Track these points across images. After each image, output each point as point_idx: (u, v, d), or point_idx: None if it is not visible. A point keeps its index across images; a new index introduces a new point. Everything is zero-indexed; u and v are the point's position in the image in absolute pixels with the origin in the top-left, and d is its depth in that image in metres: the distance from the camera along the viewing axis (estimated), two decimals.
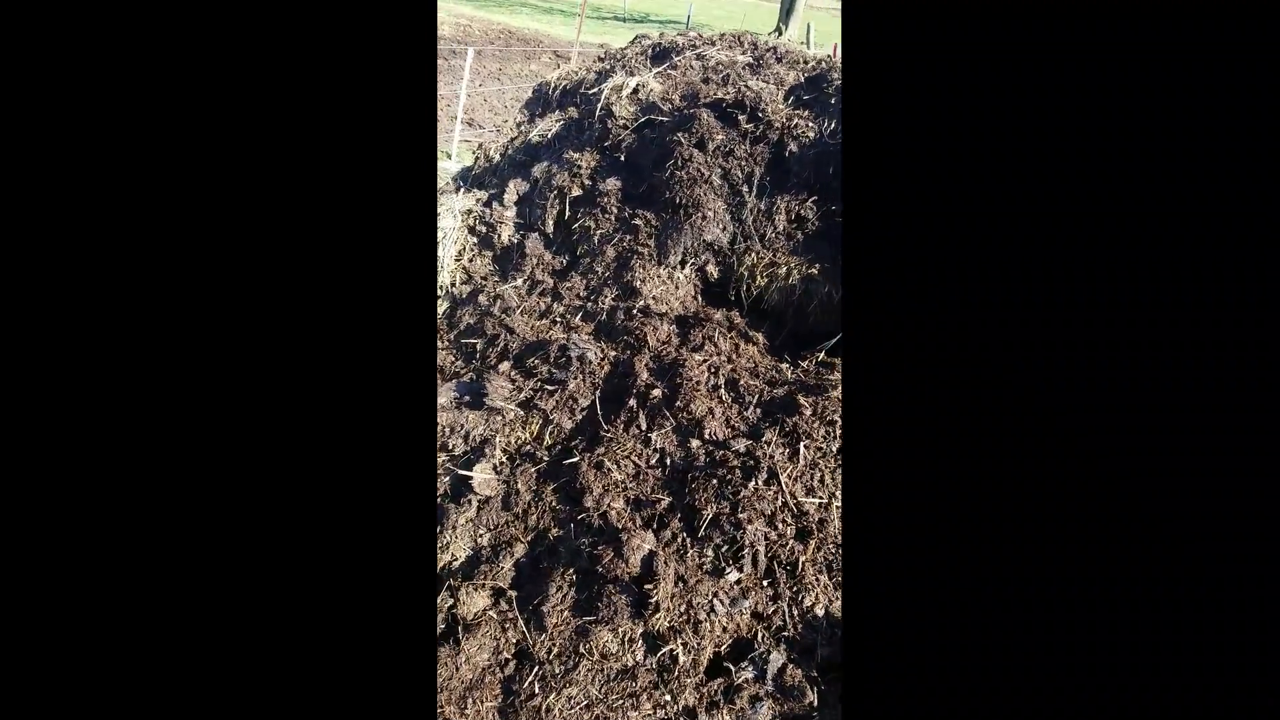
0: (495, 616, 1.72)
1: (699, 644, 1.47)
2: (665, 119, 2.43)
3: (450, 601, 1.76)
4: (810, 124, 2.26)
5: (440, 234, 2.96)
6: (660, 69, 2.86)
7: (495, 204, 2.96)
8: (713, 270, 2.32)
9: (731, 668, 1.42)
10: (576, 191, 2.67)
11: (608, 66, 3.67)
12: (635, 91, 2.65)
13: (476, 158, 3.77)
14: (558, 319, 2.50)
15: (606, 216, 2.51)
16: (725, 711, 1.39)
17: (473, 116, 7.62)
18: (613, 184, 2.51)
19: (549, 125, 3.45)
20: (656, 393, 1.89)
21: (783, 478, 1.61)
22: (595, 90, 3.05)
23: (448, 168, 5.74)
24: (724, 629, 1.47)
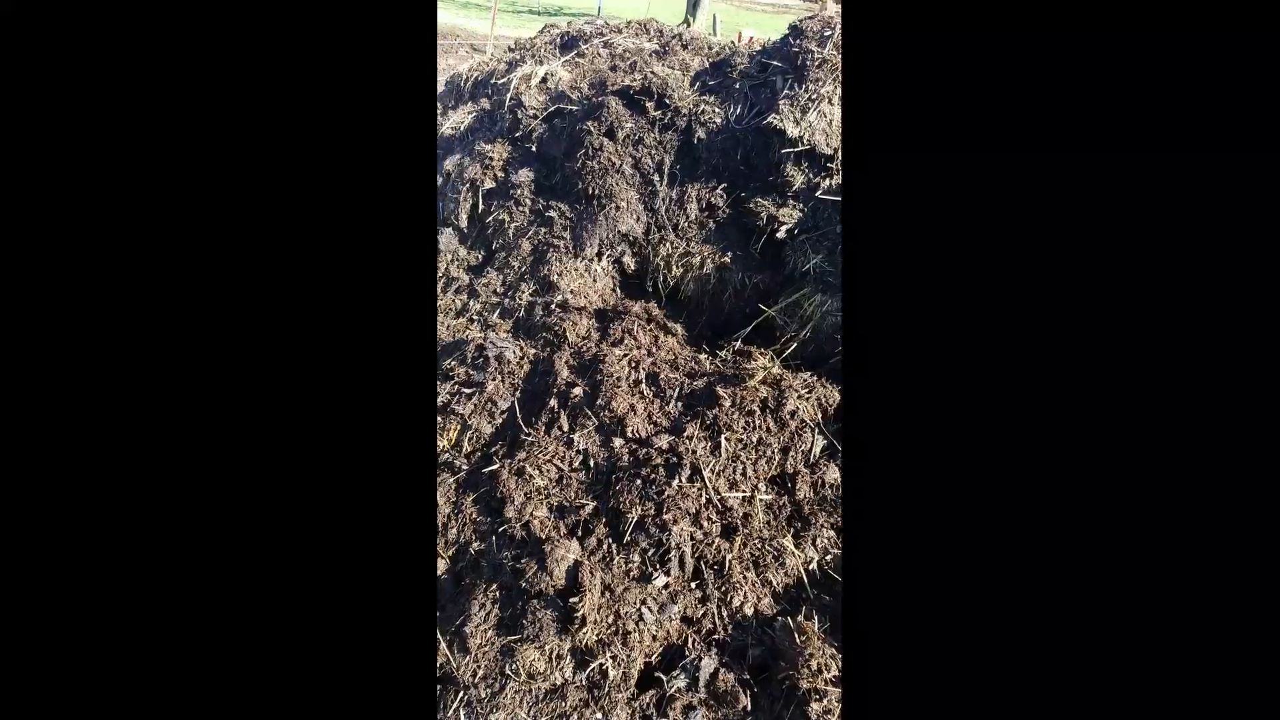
0: None
1: (629, 656, 1.29)
2: (575, 108, 2.17)
3: None
4: (717, 110, 2.07)
5: None
6: (568, 57, 2.58)
7: None
8: (629, 261, 2.11)
9: (663, 678, 1.26)
10: (489, 184, 2.37)
11: (517, 56, 3.33)
12: (544, 80, 2.36)
13: None
14: (475, 317, 2.22)
15: (520, 209, 2.24)
16: None
17: None
18: (525, 175, 2.24)
19: (461, 118, 3.10)
20: (577, 391, 1.68)
21: (705, 473, 1.45)
22: (505, 80, 2.74)
23: None
24: (653, 637, 1.31)
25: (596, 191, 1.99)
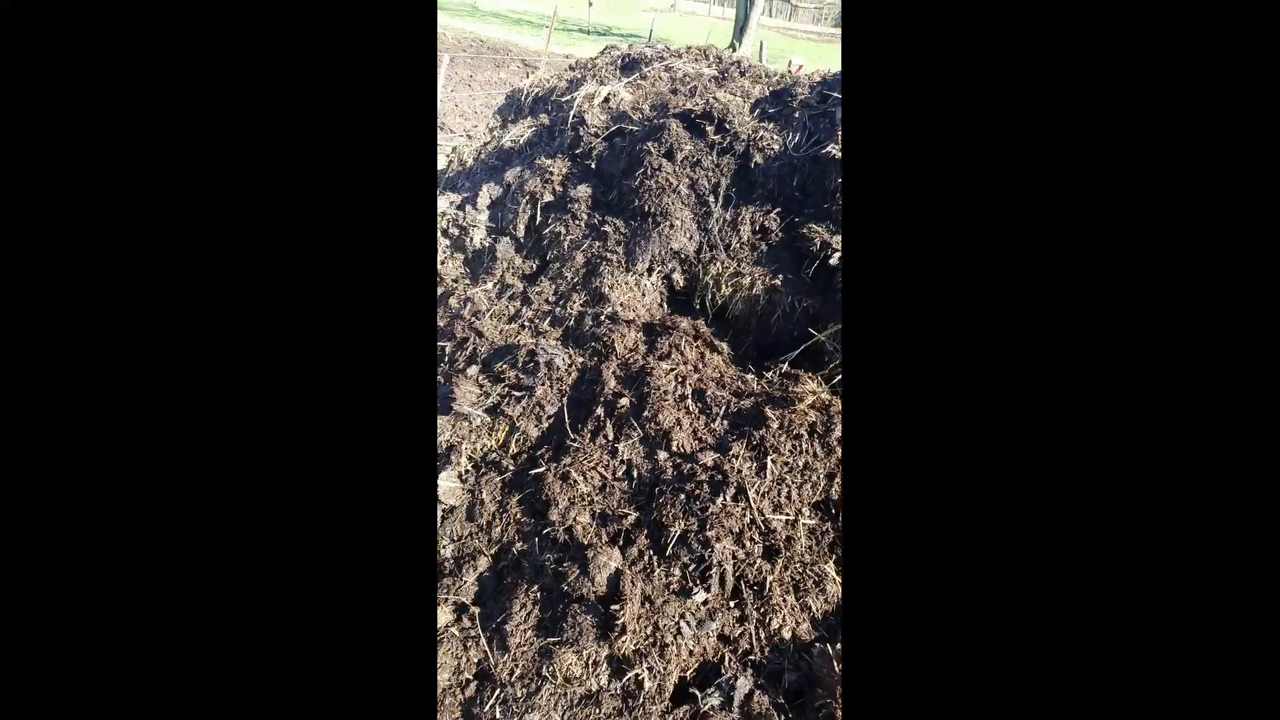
0: (458, 633, 1.52)
1: (665, 668, 1.29)
2: (635, 128, 2.22)
3: None
4: (775, 136, 2.09)
5: None
6: (631, 79, 2.64)
7: (469, 207, 2.71)
8: (678, 278, 2.14)
9: (698, 694, 1.26)
10: (548, 197, 2.44)
11: (579, 75, 3.42)
12: (606, 100, 2.43)
13: (450, 161, 3.49)
14: (526, 323, 2.28)
15: (577, 223, 2.29)
16: None
17: (444, 121, 7.23)
18: (583, 190, 2.30)
19: (521, 131, 3.20)
20: (624, 402, 1.71)
21: (750, 493, 1.44)
22: (568, 98, 2.82)
23: None
24: (690, 652, 1.31)
25: (652, 209, 2.02)
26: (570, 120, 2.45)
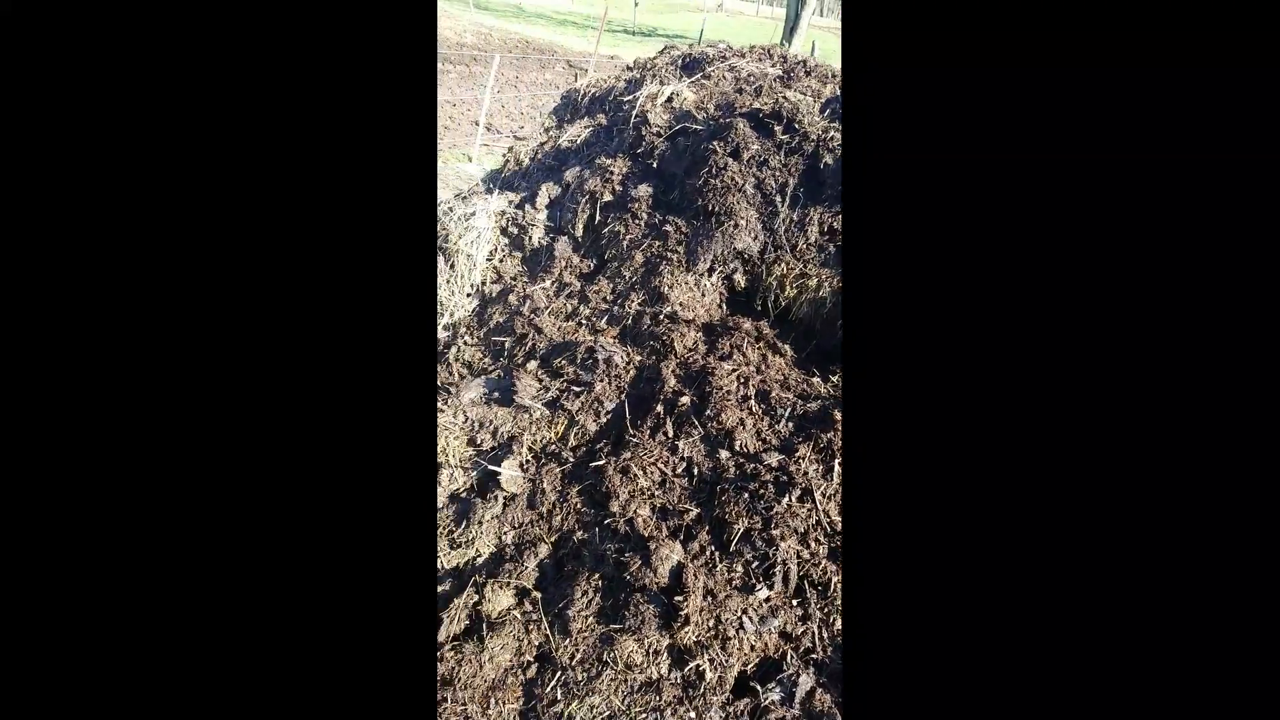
0: (519, 616, 1.59)
1: (726, 661, 1.33)
2: (699, 127, 2.27)
3: (475, 598, 1.63)
4: None
5: (474, 234, 2.82)
6: (694, 79, 2.69)
7: (528, 206, 2.81)
8: (740, 279, 2.17)
9: (759, 688, 1.29)
10: (607, 196, 2.51)
11: (638, 75, 3.49)
12: (669, 100, 2.49)
13: (506, 161, 3.61)
14: (583, 321, 2.35)
15: (636, 222, 2.36)
16: None
17: (491, 122, 7.43)
18: (644, 190, 2.36)
19: (578, 131, 3.29)
20: (685, 400, 1.75)
21: (816, 495, 1.47)
22: (630, 98, 2.89)
23: (470, 170, 5.57)
24: (752, 647, 1.34)
25: (716, 209, 2.07)
26: (632, 120, 2.52)
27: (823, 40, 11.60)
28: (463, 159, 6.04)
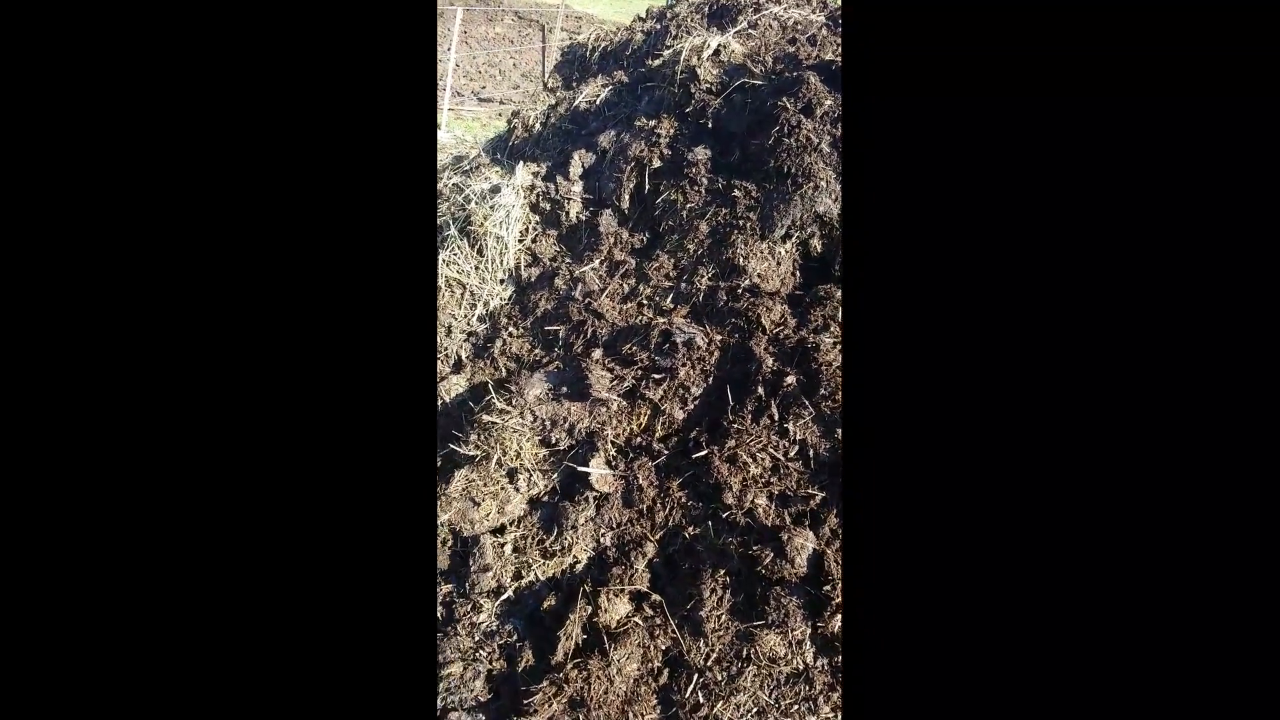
0: (641, 623, 1.66)
1: None
2: (760, 82, 2.30)
3: (589, 609, 1.69)
4: None
5: (502, 213, 2.81)
6: (739, 29, 2.70)
7: (559, 178, 2.82)
8: (816, 244, 2.22)
9: None
10: (656, 162, 2.53)
11: (658, 27, 3.48)
12: (716, 53, 2.50)
13: (513, 128, 3.58)
14: (645, 301, 2.39)
15: (696, 188, 2.39)
16: None
17: (445, 83, 7.23)
18: (701, 153, 2.38)
19: (596, 91, 3.28)
20: (790, 380, 1.81)
21: None
22: (665, 52, 2.88)
23: (442, 139, 5.47)
24: None
25: (793, 169, 2.11)
26: (677, 76, 2.53)
27: None
28: None
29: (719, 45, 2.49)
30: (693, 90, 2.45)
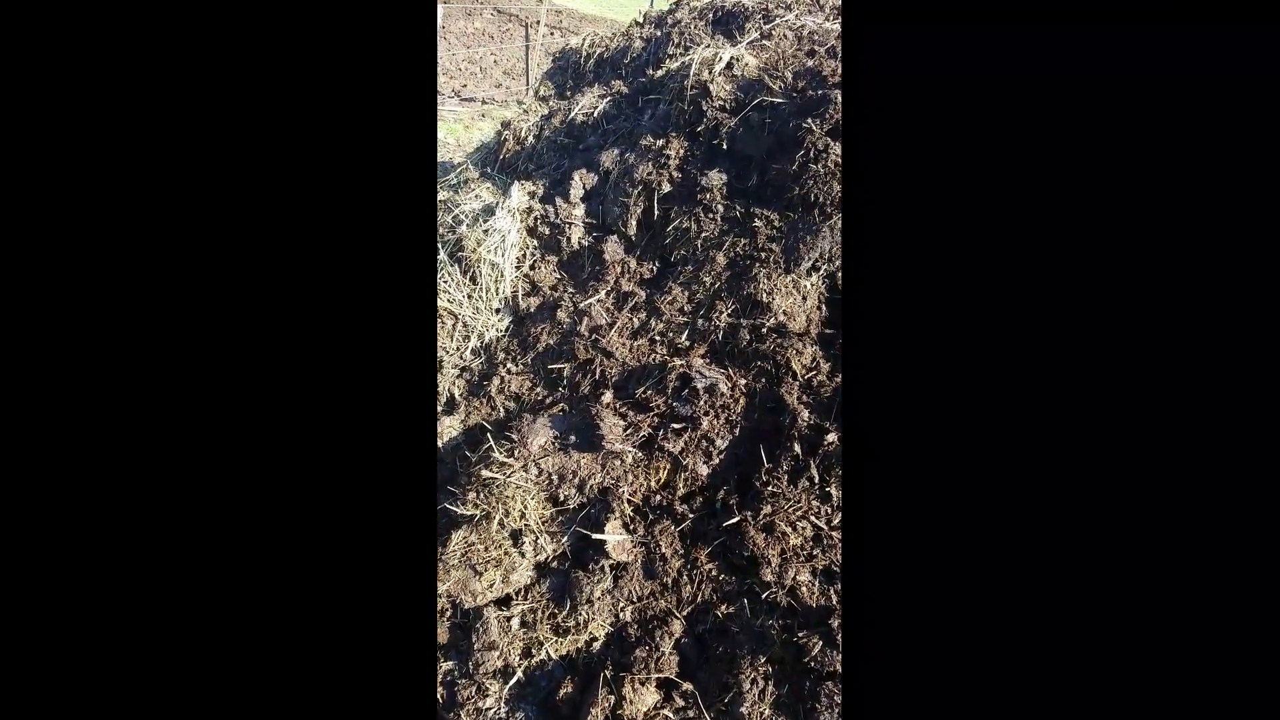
0: (672, 715, 1.49)
1: None
2: (780, 100, 2.14)
3: (611, 699, 1.53)
4: None
5: (497, 238, 2.63)
6: (750, 40, 2.55)
7: (558, 200, 2.64)
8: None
9: None
10: (666, 186, 2.37)
11: (658, 34, 3.32)
12: (729, 66, 2.34)
13: (504, 139, 3.40)
14: (657, 338, 2.22)
15: (711, 216, 2.23)
16: None
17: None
18: (716, 177, 2.23)
19: (592, 101, 3.11)
20: (831, 437, 1.66)
21: None
22: (673, 64, 2.72)
23: None
24: None
25: (821, 198, 1.96)
26: (688, 92, 2.37)
27: None
28: None
29: (732, 58, 2.33)
30: (704, 107, 2.29)
